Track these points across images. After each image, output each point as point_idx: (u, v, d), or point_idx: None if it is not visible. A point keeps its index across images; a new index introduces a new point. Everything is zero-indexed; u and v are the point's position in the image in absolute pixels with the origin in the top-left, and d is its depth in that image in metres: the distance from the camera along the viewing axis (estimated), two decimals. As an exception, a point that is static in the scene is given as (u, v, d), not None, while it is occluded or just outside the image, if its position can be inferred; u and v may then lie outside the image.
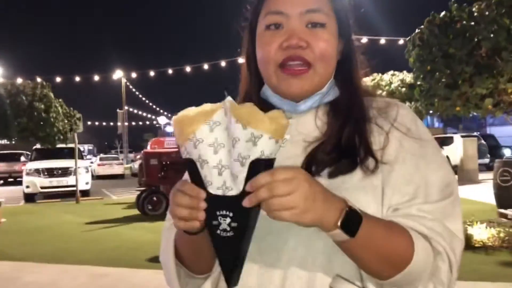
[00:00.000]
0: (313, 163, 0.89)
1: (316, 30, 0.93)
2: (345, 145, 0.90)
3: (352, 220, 0.77)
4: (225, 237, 0.75)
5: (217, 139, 0.74)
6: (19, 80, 16.75)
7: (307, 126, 0.96)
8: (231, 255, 0.76)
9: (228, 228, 0.75)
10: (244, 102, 0.83)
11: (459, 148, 15.72)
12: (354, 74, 0.99)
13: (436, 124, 39.16)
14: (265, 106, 0.93)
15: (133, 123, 34.86)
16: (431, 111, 8.39)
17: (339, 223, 0.76)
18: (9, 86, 16.05)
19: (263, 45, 0.95)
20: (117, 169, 27.12)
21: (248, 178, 0.72)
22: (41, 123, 14.50)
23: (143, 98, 32.31)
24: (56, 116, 15.20)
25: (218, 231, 0.76)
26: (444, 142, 18.28)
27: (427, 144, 0.93)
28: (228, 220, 0.74)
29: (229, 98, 0.74)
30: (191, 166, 0.76)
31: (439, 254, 0.84)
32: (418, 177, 0.88)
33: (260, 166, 0.72)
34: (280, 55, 0.92)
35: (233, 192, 0.74)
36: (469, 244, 5.70)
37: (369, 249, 0.80)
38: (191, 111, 0.76)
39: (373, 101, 0.98)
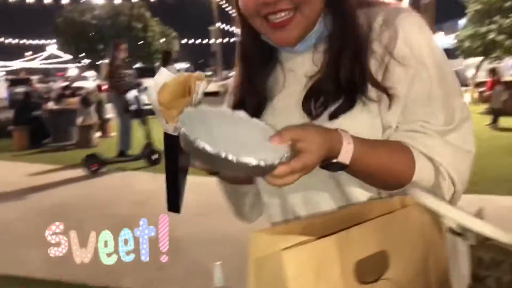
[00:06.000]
0: (311, 100, 0.90)
1: None
2: (343, 79, 0.87)
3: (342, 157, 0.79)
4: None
5: None
6: (117, 1, 17.23)
7: (306, 63, 0.94)
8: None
9: None
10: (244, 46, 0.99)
11: None
12: (343, 2, 0.90)
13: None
14: (267, 48, 0.96)
15: (227, 40, 34.86)
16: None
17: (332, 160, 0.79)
18: (108, 7, 16.61)
19: None
20: (212, 87, 27.82)
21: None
22: (140, 42, 14.94)
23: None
24: (153, 35, 15.56)
25: None
26: None
27: (428, 69, 0.87)
28: None
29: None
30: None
31: (440, 173, 0.85)
32: (421, 112, 0.87)
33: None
34: (261, 8, 0.87)
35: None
36: None
37: (369, 168, 0.83)
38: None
39: (378, 13, 0.90)
